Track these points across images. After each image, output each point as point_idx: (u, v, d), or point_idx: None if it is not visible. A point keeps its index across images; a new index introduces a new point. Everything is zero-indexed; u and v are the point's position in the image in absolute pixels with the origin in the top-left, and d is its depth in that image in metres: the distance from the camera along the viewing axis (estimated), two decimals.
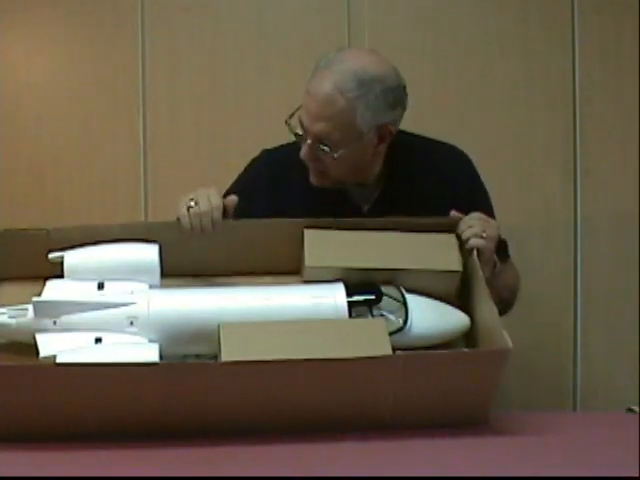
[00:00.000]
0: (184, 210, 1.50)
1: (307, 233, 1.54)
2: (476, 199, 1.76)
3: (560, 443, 1.34)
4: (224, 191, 1.72)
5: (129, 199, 2.28)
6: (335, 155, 1.61)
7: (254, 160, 1.81)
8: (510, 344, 1.33)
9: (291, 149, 1.73)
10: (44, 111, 2.30)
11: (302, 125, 1.63)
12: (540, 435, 1.38)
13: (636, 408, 1.52)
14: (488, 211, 1.72)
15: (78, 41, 2.30)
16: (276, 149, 1.80)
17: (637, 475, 1.13)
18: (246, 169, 1.81)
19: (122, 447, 1.29)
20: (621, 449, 1.29)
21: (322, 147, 1.61)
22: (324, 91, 1.59)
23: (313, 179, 1.68)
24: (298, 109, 1.65)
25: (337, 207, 1.69)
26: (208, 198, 1.51)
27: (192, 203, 1.50)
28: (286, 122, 1.67)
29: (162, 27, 2.29)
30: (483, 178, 1.80)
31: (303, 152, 1.63)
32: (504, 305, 1.65)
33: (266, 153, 1.81)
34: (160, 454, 1.27)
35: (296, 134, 1.66)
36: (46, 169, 2.29)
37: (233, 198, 1.55)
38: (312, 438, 1.31)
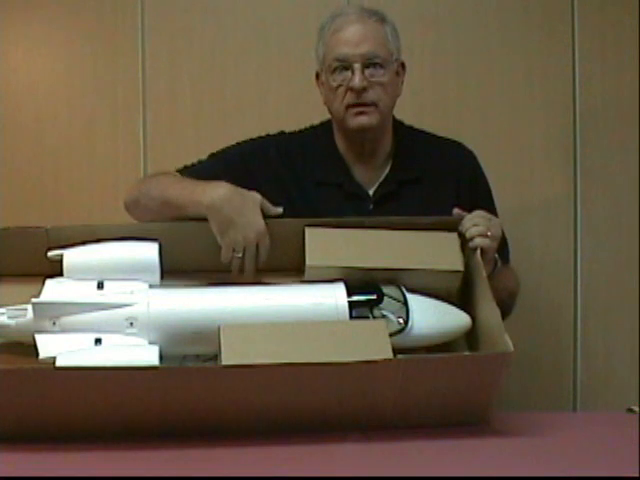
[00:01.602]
0: (229, 254, 1.51)
1: (308, 232, 1.53)
2: (479, 193, 1.78)
3: (560, 443, 1.34)
4: (229, 150, 1.78)
5: None
6: (384, 78, 1.69)
7: (275, 138, 1.81)
8: (511, 347, 1.32)
9: (303, 135, 1.81)
10: (44, 111, 2.30)
11: (342, 60, 1.69)
12: (540, 435, 1.38)
13: (636, 408, 1.52)
14: (490, 206, 1.74)
15: (78, 42, 2.30)
16: (291, 133, 1.82)
17: (637, 475, 1.13)
18: (264, 142, 1.80)
19: (122, 448, 1.29)
20: (621, 449, 1.29)
21: (372, 67, 1.69)
22: (358, 19, 1.71)
23: (357, 121, 1.70)
24: (317, 77, 1.77)
25: (345, 189, 1.74)
26: (256, 244, 1.51)
27: (238, 254, 1.50)
28: (317, 77, 1.77)
29: (162, 27, 2.29)
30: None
31: (357, 79, 1.68)
32: (503, 308, 1.65)
33: (283, 135, 1.82)
34: (160, 455, 1.27)
35: (336, 69, 1.70)
36: (46, 169, 2.29)
37: (279, 211, 1.56)
38: (312, 439, 1.31)
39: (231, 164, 1.72)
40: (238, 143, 1.79)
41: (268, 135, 1.81)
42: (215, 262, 1.54)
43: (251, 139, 1.80)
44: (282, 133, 1.82)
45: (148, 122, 2.29)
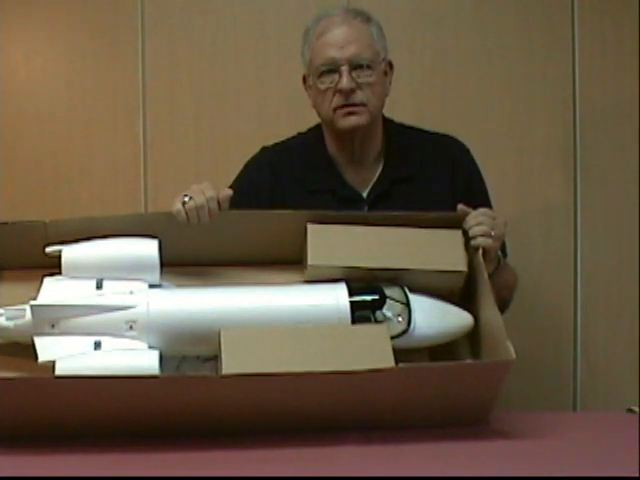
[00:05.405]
0: (179, 205, 1.50)
1: (310, 229, 1.53)
2: (474, 189, 1.78)
3: (560, 443, 1.34)
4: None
5: (129, 199, 2.28)
6: (371, 79, 1.69)
7: (254, 157, 1.82)
8: (513, 355, 1.32)
9: (290, 144, 1.80)
10: (44, 111, 2.30)
11: (329, 64, 1.69)
12: (540, 435, 1.38)
13: (636, 408, 1.52)
14: (486, 201, 1.75)
15: (78, 42, 2.30)
16: (275, 145, 1.83)
17: (637, 475, 1.13)
18: (246, 166, 1.82)
19: (121, 452, 1.29)
20: (621, 449, 1.29)
21: (359, 68, 1.68)
22: (343, 21, 1.71)
23: (347, 121, 1.70)
24: (304, 81, 1.76)
25: (338, 194, 1.73)
26: (202, 192, 1.51)
27: (186, 199, 1.50)
28: (304, 80, 1.76)
29: (162, 27, 2.29)
30: (483, 176, 1.82)
31: (345, 81, 1.68)
32: (502, 304, 1.65)
33: (265, 150, 1.83)
34: (160, 457, 1.28)
35: (323, 72, 1.70)
36: (46, 169, 2.29)
37: (228, 191, 1.55)
38: (313, 441, 1.31)
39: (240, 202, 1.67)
40: (238, 176, 1.80)
41: (254, 158, 1.82)
42: (217, 255, 1.54)
43: (244, 168, 1.81)
44: (265, 148, 1.82)
45: (148, 122, 2.29)
